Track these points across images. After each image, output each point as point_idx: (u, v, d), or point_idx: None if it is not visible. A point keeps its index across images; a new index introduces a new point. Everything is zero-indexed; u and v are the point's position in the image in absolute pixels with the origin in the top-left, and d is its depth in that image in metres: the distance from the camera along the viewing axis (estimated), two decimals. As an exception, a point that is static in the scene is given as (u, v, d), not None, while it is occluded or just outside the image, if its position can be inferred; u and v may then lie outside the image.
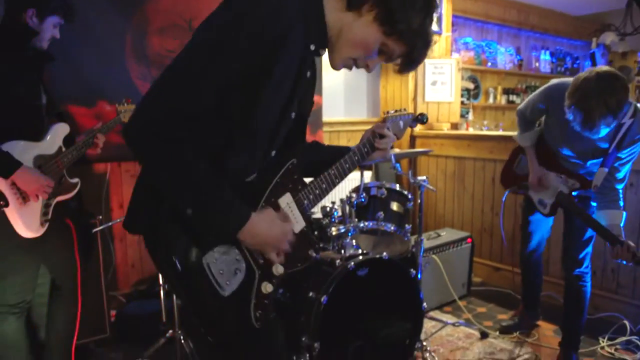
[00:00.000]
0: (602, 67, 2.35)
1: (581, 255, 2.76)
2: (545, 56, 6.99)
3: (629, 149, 2.45)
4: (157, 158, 1.18)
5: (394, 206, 2.89)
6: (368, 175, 4.47)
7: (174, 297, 2.72)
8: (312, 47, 1.33)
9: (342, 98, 4.84)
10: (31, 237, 2.25)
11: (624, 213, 2.51)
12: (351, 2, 1.27)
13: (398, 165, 3.00)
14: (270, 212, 1.35)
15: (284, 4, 1.20)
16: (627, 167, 2.52)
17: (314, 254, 1.48)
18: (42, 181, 2.26)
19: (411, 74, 4.75)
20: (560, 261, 2.97)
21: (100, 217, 3.05)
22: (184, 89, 1.16)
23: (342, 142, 4.61)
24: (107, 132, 2.67)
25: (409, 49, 1.32)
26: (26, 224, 2.23)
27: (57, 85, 3.02)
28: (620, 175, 2.51)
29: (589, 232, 2.72)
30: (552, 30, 6.92)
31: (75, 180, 2.52)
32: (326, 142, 3.94)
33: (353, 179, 4.51)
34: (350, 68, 1.39)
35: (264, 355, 1.43)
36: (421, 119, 1.94)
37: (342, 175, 1.59)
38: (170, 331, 2.80)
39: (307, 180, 1.53)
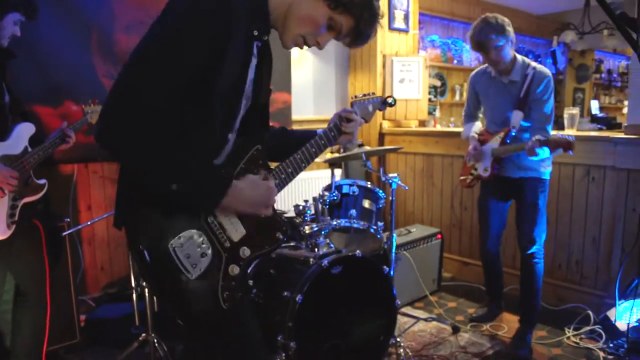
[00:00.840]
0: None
1: (534, 234, 2.98)
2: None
3: (539, 90, 2.85)
4: (134, 150, 1.21)
5: (366, 204, 2.91)
6: (338, 173, 4.49)
7: (147, 299, 2.68)
8: (255, 33, 1.37)
9: (311, 96, 4.85)
10: None
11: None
12: None
13: (369, 162, 3.03)
14: (250, 176, 1.42)
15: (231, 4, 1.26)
16: (546, 106, 2.87)
17: (281, 236, 1.51)
18: (5, 172, 2.21)
19: (379, 72, 4.79)
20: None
21: (68, 219, 2.99)
22: (146, 84, 1.19)
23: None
24: (75, 132, 2.62)
25: (355, 22, 1.38)
26: None
27: (21, 84, 2.92)
28: (542, 113, 2.87)
29: (540, 211, 2.96)
30: (515, 28, 7.01)
31: (43, 181, 2.46)
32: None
33: (324, 177, 4.53)
34: (301, 46, 1.44)
35: (239, 335, 1.47)
36: (390, 102, 1.95)
37: (309, 160, 1.62)
38: (144, 334, 2.76)
39: (273, 165, 1.56)
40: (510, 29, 2.90)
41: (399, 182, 3.00)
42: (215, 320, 1.39)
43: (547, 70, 2.92)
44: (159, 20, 1.27)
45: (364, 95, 1.89)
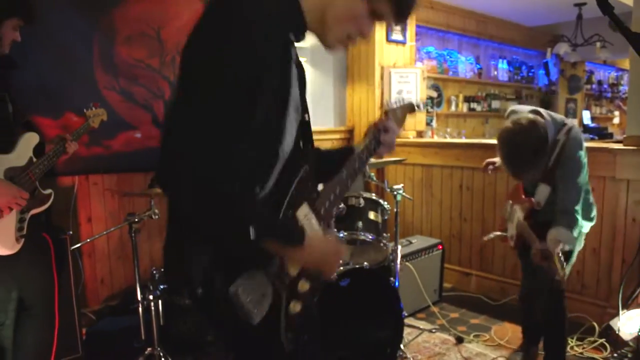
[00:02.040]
0: (514, 124, 2.45)
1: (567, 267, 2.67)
2: (502, 65, 7.21)
3: (567, 163, 2.49)
4: (211, 202, 1.11)
5: (372, 215, 2.92)
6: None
7: (153, 312, 2.65)
8: (292, 38, 1.30)
9: (310, 108, 4.84)
10: (5, 255, 2.16)
11: (570, 239, 2.50)
12: None
13: (372, 175, 3.04)
14: (307, 217, 1.32)
15: (267, 10, 1.17)
16: (572, 183, 2.50)
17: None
18: (15, 192, 2.17)
19: (377, 83, 4.81)
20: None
21: (70, 232, 2.96)
22: (214, 124, 1.09)
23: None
24: (77, 139, 2.60)
25: (393, 3, 1.29)
26: (1, 241, 2.14)
27: (22, 95, 2.89)
28: (566, 192, 2.50)
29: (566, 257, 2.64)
30: (508, 40, 7.15)
31: (49, 191, 2.43)
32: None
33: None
34: (346, 45, 1.37)
35: None
36: (419, 105, 1.90)
37: (354, 176, 1.51)
38: (149, 348, 2.73)
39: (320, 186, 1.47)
40: (543, 153, 2.44)
41: (404, 193, 3.01)
42: None
43: (580, 137, 2.51)
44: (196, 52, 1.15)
45: (395, 103, 1.81)
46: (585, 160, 2.54)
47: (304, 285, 1.31)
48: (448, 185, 4.42)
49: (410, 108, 1.83)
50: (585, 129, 8.00)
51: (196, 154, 1.07)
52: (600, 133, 7.85)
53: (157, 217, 2.74)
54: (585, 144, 2.64)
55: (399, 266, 3.11)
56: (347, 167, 1.49)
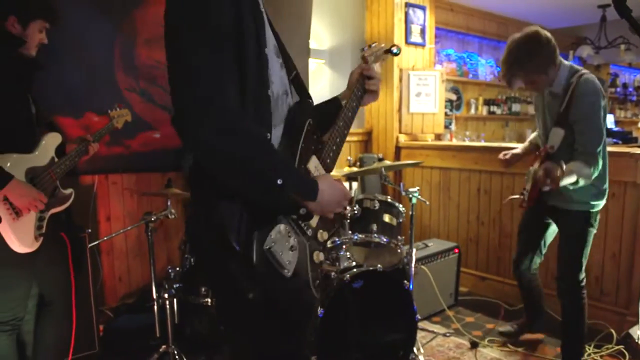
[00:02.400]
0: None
1: (577, 268, 2.75)
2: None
3: (578, 104, 2.51)
4: (233, 149, 1.19)
5: (386, 218, 2.92)
6: (354, 186, 4.50)
7: (168, 310, 2.68)
8: None
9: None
10: (25, 252, 2.21)
11: (586, 175, 2.50)
12: None
13: (388, 177, 3.03)
14: (327, 175, 1.43)
15: None
16: (588, 125, 2.51)
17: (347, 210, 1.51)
18: (35, 194, 2.21)
19: (396, 85, 4.81)
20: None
21: (89, 230, 3.01)
22: (209, 74, 1.17)
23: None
24: (99, 139, 2.64)
25: None
26: (20, 239, 2.18)
27: (44, 96, 2.94)
28: (582, 134, 2.52)
29: (583, 245, 2.72)
30: (530, 42, 7.06)
31: (69, 191, 2.48)
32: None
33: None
34: None
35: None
36: (394, 51, 1.82)
37: (349, 125, 1.60)
38: (164, 346, 2.76)
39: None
40: (551, 58, 2.57)
41: (419, 196, 3.00)
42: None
43: (593, 81, 2.53)
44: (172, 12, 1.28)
45: (370, 47, 1.78)
46: (603, 105, 2.52)
47: (322, 235, 1.41)
48: (466, 189, 4.39)
49: (387, 52, 1.81)
50: (609, 132, 7.85)
51: (207, 104, 1.16)
52: (625, 137, 7.69)
53: (173, 216, 2.78)
54: (608, 148, 2.67)
55: (413, 269, 3.10)
56: (341, 117, 1.57)
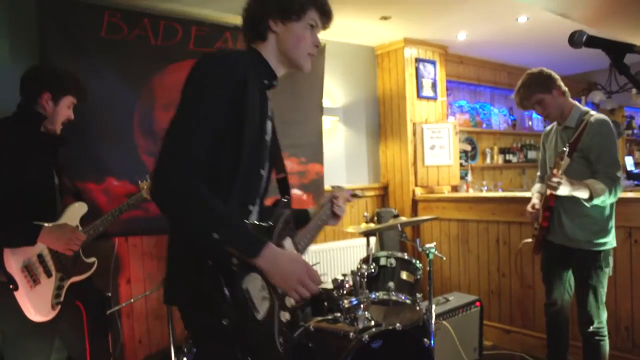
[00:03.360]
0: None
1: (594, 311, 2.77)
2: (537, 115, 7.16)
3: (593, 135, 2.70)
4: (182, 205, 1.36)
5: (404, 275, 2.90)
6: (372, 241, 4.49)
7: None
8: (266, 82, 1.65)
9: (344, 166, 4.92)
10: (41, 321, 2.23)
11: (600, 190, 2.61)
12: (261, 34, 1.63)
13: (404, 234, 3.04)
14: (293, 250, 1.60)
15: (235, 59, 1.52)
16: (604, 153, 2.68)
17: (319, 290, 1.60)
18: (68, 233, 2.27)
19: (409, 139, 4.86)
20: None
21: (110, 294, 3.04)
22: (185, 142, 1.39)
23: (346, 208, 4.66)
24: (128, 210, 2.70)
25: (317, 8, 1.64)
26: (36, 307, 2.21)
27: (67, 163, 3.04)
28: (601, 162, 2.68)
29: (595, 290, 2.75)
30: (542, 90, 7.11)
31: (92, 259, 2.52)
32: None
33: (359, 246, 4.52)
34: (313, 55, 1.70)
35: None
36: (358, 194, 2.24)
37: (317, 233, 1.90)
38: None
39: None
40: (550, 81, 2.85)
41: (436, 251, 2.99)
42: None
43: (605, 117, 2.76)
44: (182, 90, 1.49)
45: (339, 187, 2.15)
46: (611, 132, 2.72)
47: (289, 300, 1.51)
48: (485, 240, 4.36)
49: (351, 196, 2.16)
50: (629, 175, 7.78)
51: (171, 157, 1.37)
52: (646, 179, 7.62)
53: (191, 279, 2.79)
54: (624, 194, 2.85)
55: (434, 325, 3.05)
56: (317, 223, 1.89)
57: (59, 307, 2.30)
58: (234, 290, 1.39)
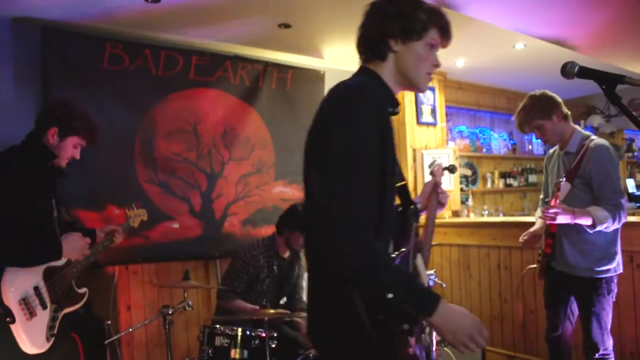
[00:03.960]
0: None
1: (599, 338, 2.74)
2: (537, 139, 7.19)
3: (594, 161, 2.68)
4: (357, 270, 1.33)
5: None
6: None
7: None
8: (391, 110, 1.57)
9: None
10: (36, 353, 2.21)
11: (603, 217, 2.60)
12: (380, 54, 1.57)
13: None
14: (422, 265, 1.62)
15: (376, 92, 1.49)
16: (606, 179, 2.66)
17: None
18: (79, 241, 2.39)
19: (410, 165, 4.88)
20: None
21: (109, 322, 3.03)
22: (354, 199, 1.33)
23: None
24: (110, 244, 2.70)
25: (438, 28, 1.57)
26: (32, 339, 2.20)
27: (69, 192, 3.05)
28: (603, 189, 2.66)
29: (599, 317, 2.73)
30: (541, 114, 7.15)
31: (83, 290, 2.52)
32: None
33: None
34: (431, 78, 1.65)
35: None
36: (452, 168, 2.25)
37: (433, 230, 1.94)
38: None
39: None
40: (551, 106, 2.85)
41: (436, 279, 2.98)
42: None
43: (604, 142, 2.76)
44: (327, 128, 1.44)
45: (430, 165, 2.11)
46: (616, 162, 2.74)
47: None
48: (486, 265, 4.34)
49: (445, 169, 2.19)
50: (631, 197, 7.77)
51: (343, 218, 1.32)
52: (648, 201, 7.60)
53: (190, 308, 2.79)
54: (628, 218, 2.76)
55: (434, 352, 3.03)
56: (430, 223, 1.92)
57: (52, 339, 2.29)
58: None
